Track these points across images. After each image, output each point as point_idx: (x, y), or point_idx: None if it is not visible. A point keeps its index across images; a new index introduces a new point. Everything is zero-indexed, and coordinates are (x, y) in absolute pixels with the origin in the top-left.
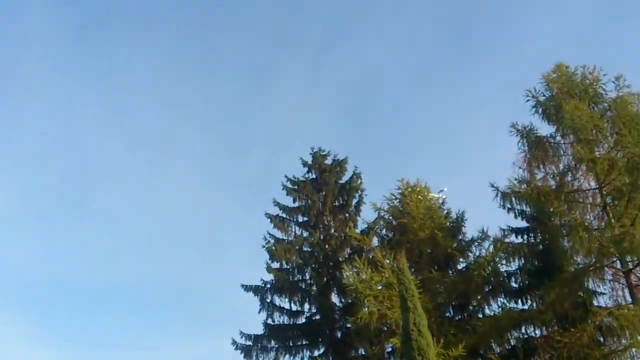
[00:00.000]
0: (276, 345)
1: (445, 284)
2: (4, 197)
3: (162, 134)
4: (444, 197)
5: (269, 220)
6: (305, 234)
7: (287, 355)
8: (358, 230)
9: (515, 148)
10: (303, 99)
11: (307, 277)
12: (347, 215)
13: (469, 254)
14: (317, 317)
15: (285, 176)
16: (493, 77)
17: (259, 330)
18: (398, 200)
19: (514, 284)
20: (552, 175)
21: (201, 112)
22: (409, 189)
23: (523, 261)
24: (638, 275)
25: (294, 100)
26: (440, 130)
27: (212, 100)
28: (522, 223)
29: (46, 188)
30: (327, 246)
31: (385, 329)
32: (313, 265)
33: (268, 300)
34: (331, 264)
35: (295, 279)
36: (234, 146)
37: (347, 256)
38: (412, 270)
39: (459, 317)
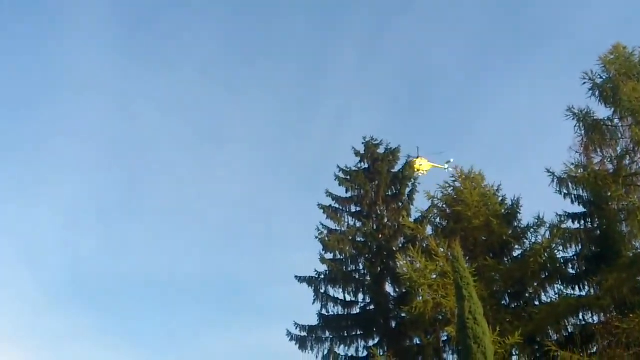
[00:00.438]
0: (331, 336)
1: (500, 271)
2: (72, 196)
3: (218, 127)
4: (450, 169)
5: (322, 211)
6: (358, 224)
7: (342, 346)
8: (412, 219)
9: (571, 132)
10: (356, 87)
11: (361, 267)
12: (400, 204)
13: (525, 240)
14: (372, 307)
15: (338, 166)
16: (549, 64)
17: (314, 321)
18: (452, 188)
19: (571, 270)
20: (609, 159)
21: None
22: (463, 177)
23: (580, 247)
24: None
25: (346, 89)
26: (494, 117)
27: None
28: (579, 208)
29: (109, 187)
30: (380, 236)
31: (440, 318)
32: (367, 255)
33: (322, 291)
34: (385, 253)
35: (349, 269)
36: (288, 137)
37: (400, 245)
38: (467, 258)
39: (515, 304)
